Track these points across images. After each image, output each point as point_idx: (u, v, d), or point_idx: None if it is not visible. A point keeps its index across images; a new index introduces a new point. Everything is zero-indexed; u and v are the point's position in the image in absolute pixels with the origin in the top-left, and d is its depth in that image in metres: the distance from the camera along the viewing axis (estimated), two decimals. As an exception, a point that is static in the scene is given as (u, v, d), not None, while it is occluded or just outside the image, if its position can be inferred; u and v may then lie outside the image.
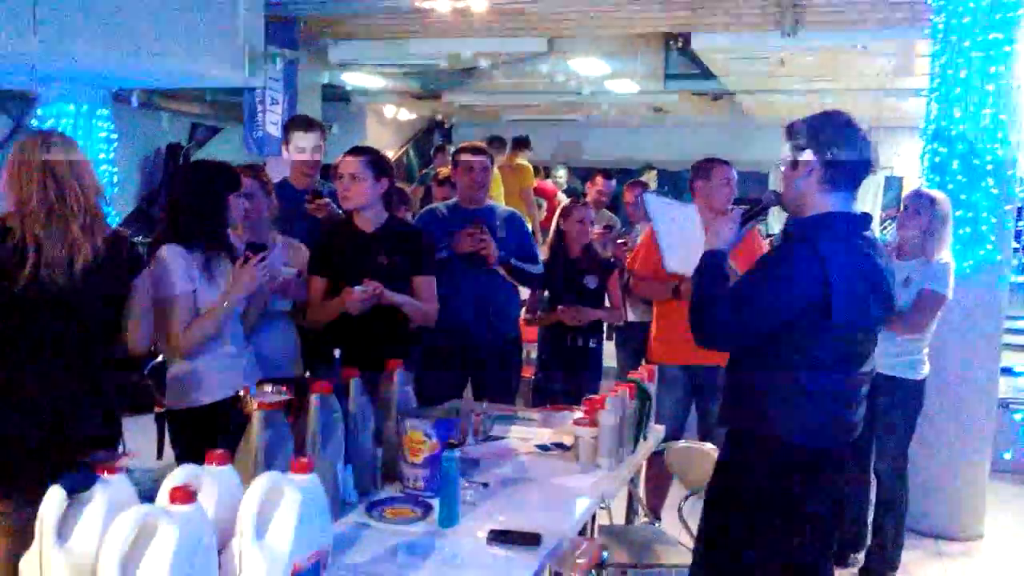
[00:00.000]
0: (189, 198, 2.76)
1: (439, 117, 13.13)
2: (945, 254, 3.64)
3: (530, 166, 8.76)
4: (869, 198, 10.59)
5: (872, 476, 3.86)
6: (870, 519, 3.90)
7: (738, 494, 2.29)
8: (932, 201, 3.66)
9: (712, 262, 2.35)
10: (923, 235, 3.62)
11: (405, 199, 3.93)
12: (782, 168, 2.32)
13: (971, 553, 4.11)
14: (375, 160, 3.12)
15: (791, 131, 2.30)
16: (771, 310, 2.17)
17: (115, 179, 6.67)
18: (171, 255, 2.67)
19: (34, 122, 6.55)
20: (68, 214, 2.35)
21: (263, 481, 1.53)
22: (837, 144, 2.21)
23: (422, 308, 3.16)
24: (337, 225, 3.20)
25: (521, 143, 8.78)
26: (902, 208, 3.79)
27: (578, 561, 2.04)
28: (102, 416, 2.51)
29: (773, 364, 2.22)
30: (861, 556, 3.93)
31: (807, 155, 2.23)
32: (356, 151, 3.16)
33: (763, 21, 6.49)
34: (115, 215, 6.70)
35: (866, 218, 2.33)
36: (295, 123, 3.86)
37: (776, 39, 6.59)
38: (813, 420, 2.22)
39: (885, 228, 9.82)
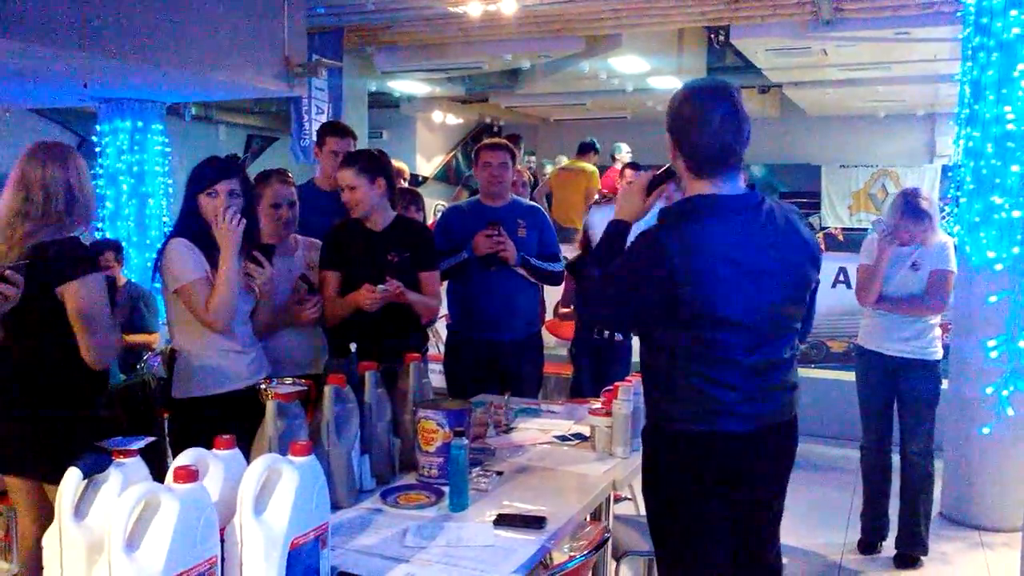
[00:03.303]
0: (186, 198, 2.79)
1: (488, 120, 13.24)
2: (940, 235, 3.76)
3: (594, 169, 8.68)
4: (926, 188, 10.31)
5: (894, 462, 3.86)
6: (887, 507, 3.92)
7: (654, 487, 2.14)
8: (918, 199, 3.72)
9: (614, 231, 2.18)
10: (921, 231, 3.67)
11: (415, 199, 4.00)
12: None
13: (1013, 544, 4.02)
14: (366, 165, 3.13)
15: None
16: (624, 303, 2.02)
17: (171, 190, 6.95)
18: (178, 246, 2.71)
19: (94, 138, 6.87)
20: (16, 223, 2.42)
21: (262, 462, 1.63)
22: (687, 137, 2.01)
23: (430, 304, 3.23)
24: (348, 223, 3.22)
25: (588, 147, 8.67)
26: (894, 210, 3.72)
27: (579, 542, 2.11)
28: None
29: (650, 354, 2.10)
30: (886, 544, 3.92)
31: (668, 141, 2.06)
32: (347, 160, 3.17)
33: (801, 12, 6.44)
34: (167, 225, 6.96)
35: (746, 198, 2.02)
36: (330, 129, 3.99)
37: (814, 29, 6.53)
38: (695, 407, 2.03)
39: (945, 218, 9.56)
